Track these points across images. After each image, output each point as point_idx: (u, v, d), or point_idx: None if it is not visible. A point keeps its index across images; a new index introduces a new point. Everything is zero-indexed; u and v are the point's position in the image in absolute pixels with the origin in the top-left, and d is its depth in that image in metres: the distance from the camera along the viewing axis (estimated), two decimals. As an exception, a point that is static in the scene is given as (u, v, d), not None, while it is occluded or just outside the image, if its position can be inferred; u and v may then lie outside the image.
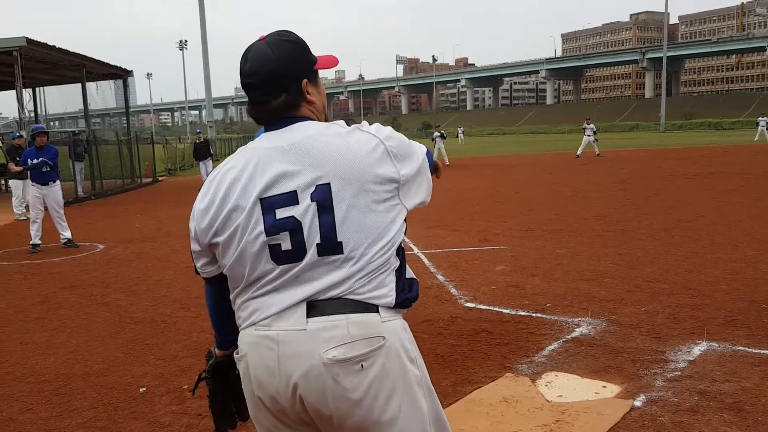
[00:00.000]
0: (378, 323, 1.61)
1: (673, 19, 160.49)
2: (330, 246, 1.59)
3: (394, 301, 1.64)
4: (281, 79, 1.65)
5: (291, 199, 1.60)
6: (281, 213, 1.61)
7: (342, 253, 1.60)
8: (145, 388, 4.16)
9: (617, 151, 33.89)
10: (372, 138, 1.68)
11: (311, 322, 1.58)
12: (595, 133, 28.59)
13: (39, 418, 3.79)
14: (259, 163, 1.64)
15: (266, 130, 1.72)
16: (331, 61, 1.78)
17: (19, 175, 13.86)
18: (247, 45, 1.74)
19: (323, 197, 1.59)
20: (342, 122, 1.73)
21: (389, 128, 1.75)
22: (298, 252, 1.61)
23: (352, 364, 1.56)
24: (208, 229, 1.70)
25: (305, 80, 1.69)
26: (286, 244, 1.61)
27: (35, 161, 9.52)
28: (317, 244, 1.60)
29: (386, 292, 1.64)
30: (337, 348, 1.55)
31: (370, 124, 1.76)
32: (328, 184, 1.60)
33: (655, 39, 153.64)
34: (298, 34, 1.71)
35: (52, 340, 5.30)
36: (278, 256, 1.62)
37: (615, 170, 20.97)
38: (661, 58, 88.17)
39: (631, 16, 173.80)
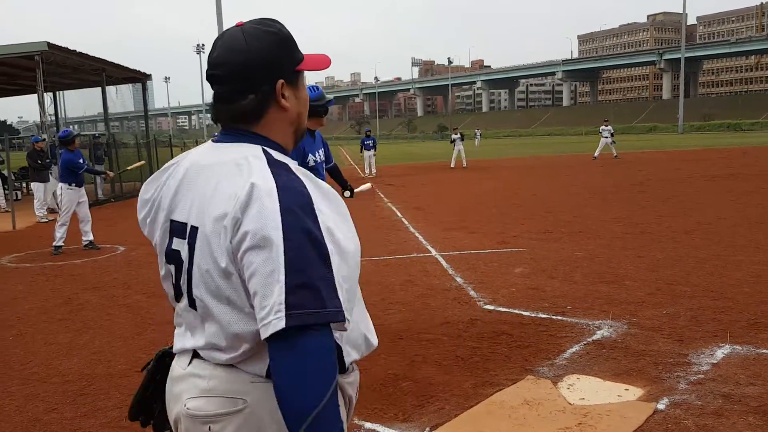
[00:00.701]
0: (245, 382, 1.34)
1: (691, 20, 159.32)
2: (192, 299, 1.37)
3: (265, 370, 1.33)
4: (251, 76, 1.35)
5: (181, 230, 1.39)
6: (175, 243, 1.41)
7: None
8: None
9: (635, 152, 33.64)
10: (236, 199, 1.26)
11: (192, 365, 1.40)
12: (612, 134, 28.38)
13: (64, 418, 3.84)
14: (187, 176, 1.42)
15: (216, 139, 1.44)
16: (321, 62, 1.48)
17: (40, 178, 14.09)
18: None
19: (192, 241, 1.35)
20: (269, 157, 1.34)
21: (272, 189, 1.25)
22: (178, 292, 1.44)
23: (200, 422, 1.35)
24: (143, 224, 1.55)
25: (282, 81, 1.37)
26: (172, 279, 1.45)
27: (80, 162, 9.75)
28: (187, 291, 1.39)
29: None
30: (194, 399, 1.36)
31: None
32: (197, 228, 1.34)
33: (672, 40, 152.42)
34: (285, 26, 1.43)
35: (76, 340, 5.36)
36: (174, 288, 1.46)
37: (633, 172, 20.81)
38: (678, 59, 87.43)
39: (648, 17, 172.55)
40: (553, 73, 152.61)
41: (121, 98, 26.04)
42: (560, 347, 4.65)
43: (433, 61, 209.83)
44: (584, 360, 4.38)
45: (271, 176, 1.26)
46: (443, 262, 7.79)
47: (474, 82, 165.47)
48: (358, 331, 1.46)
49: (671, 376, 4.03)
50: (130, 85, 25.39)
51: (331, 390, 1.19)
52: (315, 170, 4.79)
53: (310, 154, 4.70)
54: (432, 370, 4.35)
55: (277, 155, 1.35)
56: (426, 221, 11.49)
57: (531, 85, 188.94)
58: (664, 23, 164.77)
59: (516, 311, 5.62)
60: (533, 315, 5.48)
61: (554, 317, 5.38)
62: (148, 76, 24.12)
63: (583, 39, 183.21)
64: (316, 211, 1.25)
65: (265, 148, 1.36)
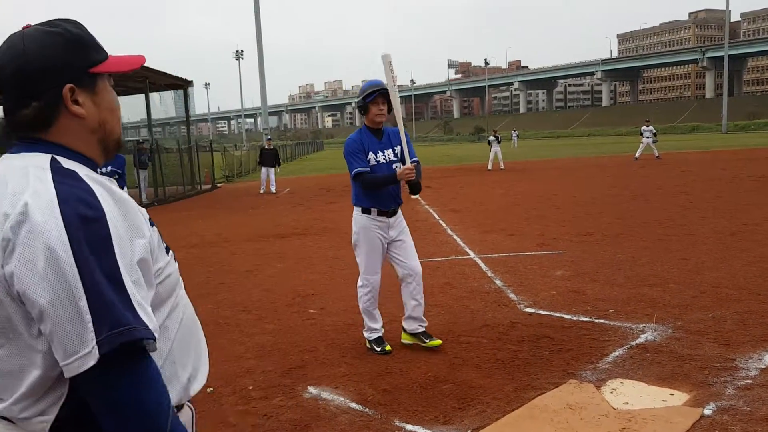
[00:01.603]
0: None
1: (735, 17, 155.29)
2: None
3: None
4: (29, 82, 1.21)
5: None
6: None
7: None
8: (212, 389, 4.28)
9: (677, 153, 32.93)
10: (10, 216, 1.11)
11: None
12: (654, 134, 27.81)
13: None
14: None
15: (9, 150, 1.29)
16: (129, 62, 1.34)
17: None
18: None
19: None
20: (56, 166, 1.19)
21: (51, 209, 1.11)
22: None
23: None
24: None
25: (70, 86, 1.22)
26: None
27: (105, 170, 9.92)
28: None
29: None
30: None
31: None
32: None
33: (715, 37, 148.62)
34: (81, 25, 1.29)
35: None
36: None
37: (676, 173, 20.38)
38: (722, 57, 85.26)
39: (690, 14, 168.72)
40: (592, 73, 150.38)
41: (164, 104, 26.62)
42: (603, 351, 4.59)
43: (470, 63, 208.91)
44: (628, 364, 4.32)
45: (53, 187, 1.13)
46: (482, 265, 7.76)
47: (511, 83, 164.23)
48: (170, 365, 1.30)
49: (718, 381, 3.94)
50: (173, 91, 25.93)
51: (170, 417, 1.12)
52: (379, 168, 4.67)
53: (371, 153, 4.68)
54: (472, 373, 4.34)
55: (67, 163, 1.21)
56: (464, 223, 11.45)
57: (569, 85, 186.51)
58: (706, 20, 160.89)
59: (557, 314, 5.57)
60: (575, 318, 5.42)
61: (596, 320, 5.32)
62: (189, 83, 24.61)
63: (622, 38, 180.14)
64: (109, 224, 1.12)
65: (56, 156, 1.22)
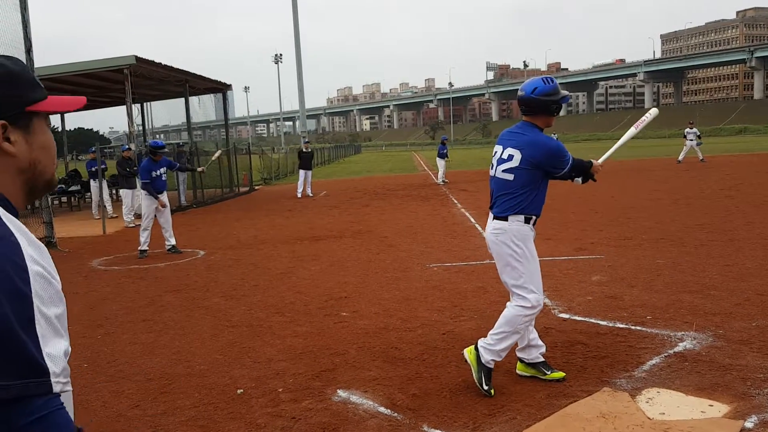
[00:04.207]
0: None
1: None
2: None
3: None
4: None
5: None
6: None
7: None
8: (242, 390, 4.30)
9: (723, 156, 32.03)
10: None
11: None
12: (699, 137, 27.09)
13: (146, 414, 4.01)
14: None
15: None
16: (69, 103, 1.32)
17: (128, 184, 14.83)
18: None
19: None
20: None
21: None
22: None
23: None
24: None
25: (2, 122, 1.19)
26: None
27: (159, 172, 10.18)
28: None
29: None
30: None
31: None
32: None
33: (764, 36, 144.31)
34: (21, 63, 1.28)
35: (158, 340, 5.59)
36: None
37: (720, 176, 19.81)
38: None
39: (737, 13, 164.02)
40: (634, 75, 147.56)
41: (204, 108, 27.05)
42: (639, 359, 4.47)
43: (509, 65, 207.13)
44: (665, 373, 4.19)
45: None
46: (517, 269, 7.64)
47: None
48: None
49: (761, 392, 3.79)
50: (212, 95, 26.35)
51: None
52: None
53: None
54: (504, 378, 4.27)
55: None
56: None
57: (610, 87, 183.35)
58: (755, 19, 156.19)
59: (592, 320, 5.44)
60: (611, 325, 5.29)
61: (633, 327, 5.18)
62: (228, 87, 24.96)
63: (666, 38, 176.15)
64: (27, 264, 1.09)
65: None
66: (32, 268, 1.09)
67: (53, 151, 1.29)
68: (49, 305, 1.11)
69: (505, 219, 4.09)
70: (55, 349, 1.09)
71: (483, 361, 4.07)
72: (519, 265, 4.08)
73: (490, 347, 4.08)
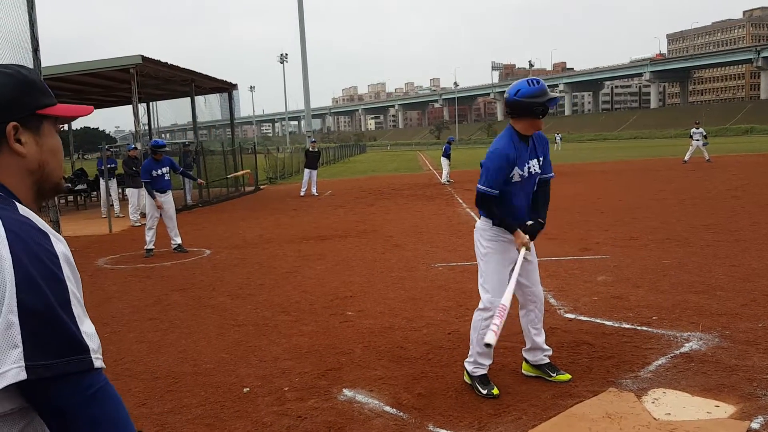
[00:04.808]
0: None
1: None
2: None
3: None
4: None
5: None
6: None
7: None
8: (248, 389, 4.32)
9: (729, 156, 31.92)
10: None
11: None
12: (705, 137, 26.99)
13: (153, 412, 4.03)
14: None
15: None
16: (78, 110, 1.39)
17: (133, 183, 14.87)
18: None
19: None
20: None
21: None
22: None
23: None
24: None
25: (14, 123, 1.25)
26: None
27: (160, 172, 10.22)
28: None
29: None
30: None
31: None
32: None
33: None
34: (31, 71, 1.34)
35: (164, 339, 5.61)
36: None
37: (727, 176, 19.74)
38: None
39: (744, 12, 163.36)
40: (639, 75, 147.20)
41: (210, 107, 27.09)
42: (645, 359, 4.46)
43: (514, 65, 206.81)
44: (671, 373, 4.19)
45: None
46: (522, 269, 7.64)
47: (556, 86, 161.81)
48: None
49: (767, 393, 3.78)
50: (218, 94, 26.38)
51: None
52: (517, 186, 4.03)
53: (516, 168, 3.98)
54: (509, 378, 4.27)
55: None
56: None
57: (616, 86, 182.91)
58: (762, 19, 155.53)
59: (598, 321, 5.44)
60: (616, 325, 5.28)
61: (639, 328, 5.17)
62: (234, 86, 25.00)
63: (672, 38, 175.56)
64: (56, 250, 1.15)
65: None
66: (60, 253, 1.16)
67: (61, 156, 1.35)
68: (75, 287, 1.18)
69: (480, 218, 4.23)
70: (90, 328, 1.17)
71: (469, 371, 4.17)
72: (481, 263, 4.16)
73: (469, 358, 4.19)
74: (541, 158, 4.11)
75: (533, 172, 4.06)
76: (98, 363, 1.14)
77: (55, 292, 1.11)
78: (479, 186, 4.04)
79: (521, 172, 4.00)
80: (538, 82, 4.02)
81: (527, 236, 4.05)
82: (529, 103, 3.91)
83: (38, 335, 1.07)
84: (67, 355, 1.09)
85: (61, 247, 1.17)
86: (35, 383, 1.07)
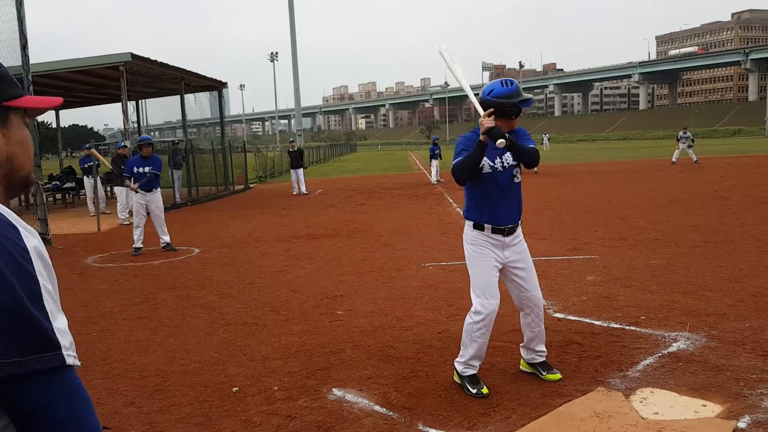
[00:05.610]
0: None
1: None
2: None
3: None
4: None
5: None
6: None
7: None
8: (237, 388, 4.30)
9: (717, 157, 32.17)
10: None
11: None
12: (692, 140, 27.21)
13: (141, 411, 4.00)
14: None
15: None
16: (46, 102, 1.33)
17: (123, 182, 14.78)
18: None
19: None
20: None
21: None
22: None
23: None
24: None
25: None
26: None
27: (143, 170, 10.14)
28: None
29: None
30: None
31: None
32: None
33: (759, 38, 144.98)
34: (2, 64, 1.31)
35: (153, 338, 5.58)
36: None
37: (714, 177, 19.89)
38: (766, 58, 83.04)
39: (732, 15, 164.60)
40: (629, 76, 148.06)
41: (199, 105, 26.98)
42: (633, 359, 4.49)
43: (504, 65, 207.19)
44: (659, 373, 4.22)
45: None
46: (512, 269, 7.66)
47: (546, 86, 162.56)
48: None
49: (754, 393, 3.81)
50: (208, 92, 26.27)
51: None
52: (490, 179, 4.00)
53: (486, 159, 3.95)
54: (499, 378, 4.28)
55: None
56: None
57: (605, 88, 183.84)
58: (750, 21, 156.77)
59: (587, 320, 5.47)
60: (605, 325, 5.31)
61: (627, 327, 5.20)
62: (224, 84, 24.90)
63: (661, 40, 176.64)
64: (26, 244, 1.12)
65: None
66: (32, 247, 1.12)
67: (30, 148, 1.29)
68: (48, 282, 1.13)
69: (466, 222, 4.22)
70: (62, 324, 1.12)
71: (459, 371, 4.17)
72: (469, 268, 4.15)
73: (459, 359, 4.19)
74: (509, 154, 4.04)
75: (507, 165, 4.02)
76: (71, 360, 1.10)
77: (26, 287, 1.07)
78: (452, 164, 4.03)
79: (492, 164, 3.98)
80: (511, 83, 4.02)
81: (488, 130, 3.78)
82: (501, 104, 3.91)
83: (7, 331, 1.03)
84: (38, 351, 1.06)
85: (33, 241, 1.14)
86: (4, 381, 1.03)
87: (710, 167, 24.77)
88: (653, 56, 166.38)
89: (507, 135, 3.80)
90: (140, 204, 10.21)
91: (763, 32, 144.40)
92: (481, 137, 3.83)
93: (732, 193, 15.26)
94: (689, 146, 26.89)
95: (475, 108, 4.04)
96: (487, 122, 3.79)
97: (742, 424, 3.42)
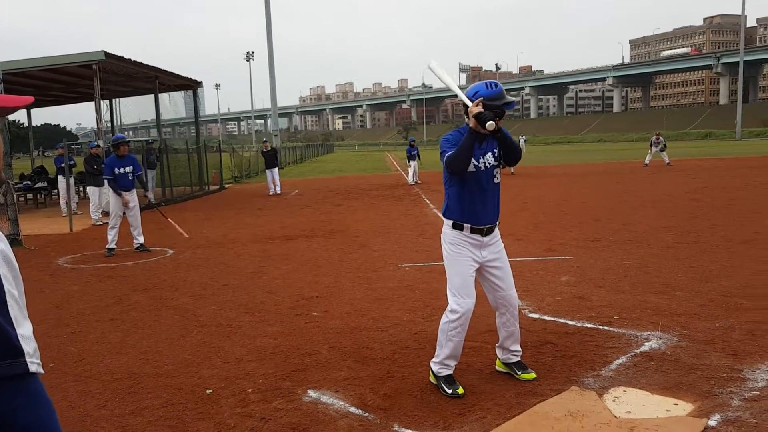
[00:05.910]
0: None
1: (751, 22, 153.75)
2: None
3: None
4: None
5: None
6: None
7: None
8: (211, 390, 4.26)
9: (689, 159, 32.71)
10: None
11: None
12: (664, 145, 27.69)
13: (113, 414, 3.94)
14: None
15: None
16: (14, 100, 1.26)
17: (95, 182, 14.56)
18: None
19: None
20: None
21: None
22: None
23: None
24: None
25: None
26: None
27: (124, 170, 10.00)
28: None
29: None
30: None
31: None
32: None
33: (730, 43, 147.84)
34: None
35: (125, 340, 5.50)
36: None
37: (686, 180, 20.23)
38: (737, 63, 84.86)
39: (704, 19, 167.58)
40: (603, 79, 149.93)
41: (174, 105, 26.71)
42: (606, 358, 4.54)
43: (481, 67, 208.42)
44: (631, 372, 4.27)
45: None
46: (488, 270, 7.70)
47: (522, 89, 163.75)
48: None
49: (724, 391, 3.88)
50: (183, 92, 26.01)
51: None
52: (472, 178, 4.02)
53: (472, 159, 3.99)
54: (474, 378, 4.30)
55: None
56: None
57: (580, 91, 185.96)
58: (721, 26, 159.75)
59: (561, 320, 5.51)
60: (579, 324, 5.36)
61: (600, 327, 5.26)
62: (199, 84, 24.69)
63: (635, 43, 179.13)
64: None
65: None
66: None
67: (0, 147, 1.26)
68: (14, 286, 1.11)
69: (444, 221, 4.23)
70: (27, 330, 1.10)
71: (434, 371, 4.18)
72: (446, 267, 4.17)
73: (435, 359, 4.19)
74: (496, 150, 4.09)
75: (489, 165, 4.06)
76: (34, 368, 1.08)
77: None
78: (444, 159, 4.01)
79: (476, 162, 4.02)
80: (496, 85, 4.05)
81: (478, 115, 3.81)
82: (485, 106, 3.92)
83: None
84: (1, 358, 1.03)
85: None
86: None
87: (682, 169, 25.18)
88: (627, 60, 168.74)
89: (495, 118, 3.81)
90: (116, 205, 10.06)
91: (734, 37, 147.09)
92: (471, 124, 3.86)
93: (703, 195, 15.53)
94: (662, 149, 27.34)
95: (463, 102, 4.07)
96: (476, 109, 3.83)
97: (712, 423, 3.48)
